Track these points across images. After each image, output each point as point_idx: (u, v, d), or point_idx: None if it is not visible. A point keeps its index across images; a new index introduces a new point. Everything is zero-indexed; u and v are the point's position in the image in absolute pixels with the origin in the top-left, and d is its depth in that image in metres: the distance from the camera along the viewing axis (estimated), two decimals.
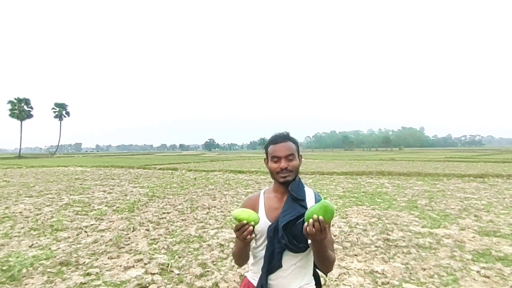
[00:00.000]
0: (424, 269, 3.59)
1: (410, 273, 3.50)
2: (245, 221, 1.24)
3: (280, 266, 1.36)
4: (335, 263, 1.52)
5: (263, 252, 1.40)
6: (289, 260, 1.36)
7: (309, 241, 1.29)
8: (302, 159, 1.52)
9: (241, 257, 1.43)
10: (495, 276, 3.38)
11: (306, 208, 1.33)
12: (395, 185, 11.16)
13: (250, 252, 1.44)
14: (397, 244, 4.48)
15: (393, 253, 4.12)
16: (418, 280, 3.33)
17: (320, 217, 1.13)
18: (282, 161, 1.38)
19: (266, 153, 1.47)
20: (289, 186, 1.40)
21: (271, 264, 1.35)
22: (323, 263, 1.32)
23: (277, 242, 1.34)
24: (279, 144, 1.41)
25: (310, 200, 1.40)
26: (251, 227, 1.24)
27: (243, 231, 1.23)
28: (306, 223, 1.17)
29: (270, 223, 1.38)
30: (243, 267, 3.29)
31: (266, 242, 1.39)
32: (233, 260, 1.48)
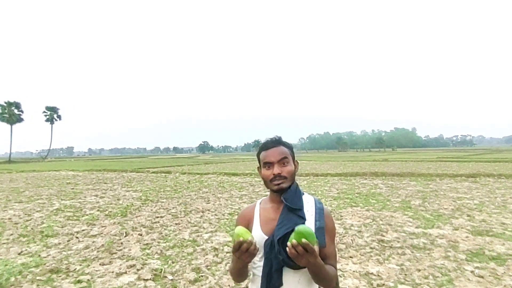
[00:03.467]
0: (419, 270, 3.59)
1: (405, 274, 3.50)
2: (242, 239, 1.09)
3: (280, 284, 1.21)
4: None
5: (262, 269, 1.27)
6: (290, 277, 1.22)
7: None
8: (298, 165, 1.39)
9: (240, 275, 1.29)
10: (489, 275, 3.40)
11: (304, 218, 1.23)
12: (388, 185, 11.23)
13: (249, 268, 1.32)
14: (391, 245, 4.49)
15: (388, 254, 4.12)
16: (413, 281, 3.32)
17: (294, 241, 1.03)
18: (275, 167, 1.26)
19: (259, 161, 1.34)
20: (282, 196, 1.26)
21: (270, 283, 1.22)
22: (322, 282, 1.19)
23: (274, 258, 1.21)
24: (270, 149, 1.30)
25: (309, 209, 1.28)
26: (252, 247, 1.09)
27: (243, 250, 1.09)
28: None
29: (266, 237, 1.25)
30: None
31: (264, 259, 1.26)
32: (230, 278, 1.35)
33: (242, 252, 1.09)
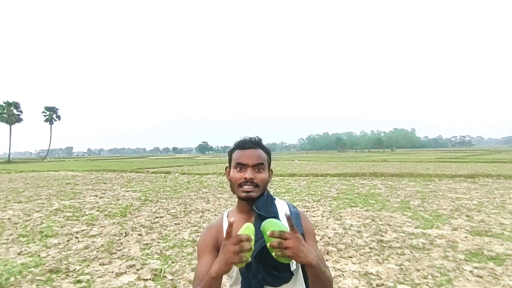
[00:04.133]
0: (418, 270, 3.60)
1: (404, 274, 3.51)
2: (252, 237, 0.91)
3: None
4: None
5: None
6: None
7: (294, 267, 1.06)
8: (273, 175, 1.22)
9: None
10: (488, 275, 3.41)
11: None
12: (387, 186, 11.24)
13: None
14: (391, 245, 4.50)
15: (387, 255, 4.13)
16: (412, 281, 3.34)
17: (270, 232, 0.90)
18: (248, 171, 1.09)
19: (230, 160, 1.17)
20: (254, 204, 1.10)
21: None
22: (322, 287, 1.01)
23: (252, 278, 1.03)
24: (248, 150, 1.12)
25: (284, 215, 1.07)
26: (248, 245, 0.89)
27: (244, 249, 0.88)
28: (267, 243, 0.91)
29: None
30: None
31: (240, 280, 1.08)
32: None
33: (241, 250, 0.87)
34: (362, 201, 8.12)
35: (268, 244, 0.91)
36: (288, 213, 0.98)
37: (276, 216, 1.08)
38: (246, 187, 1.08)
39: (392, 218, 6.18)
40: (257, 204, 1.10)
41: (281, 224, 0.96)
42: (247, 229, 0.93)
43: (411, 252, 4.20)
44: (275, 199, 1.18)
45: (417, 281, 3.33)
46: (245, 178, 1.08)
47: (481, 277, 3.38)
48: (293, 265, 1.06)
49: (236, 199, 1.18)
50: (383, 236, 4.92)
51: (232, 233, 0.92)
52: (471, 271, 3.53)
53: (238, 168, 1.11)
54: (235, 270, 1.08)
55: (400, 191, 9.87)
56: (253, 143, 1.15)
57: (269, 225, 0.94)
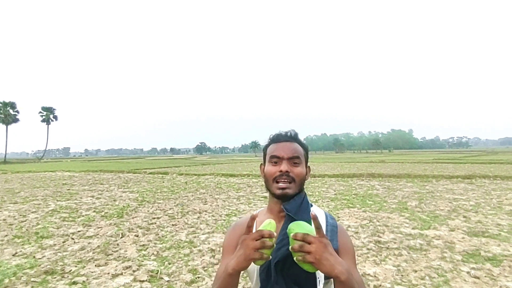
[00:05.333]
0: (416, 271, 3.60)
1: (402, 275, 3.50)
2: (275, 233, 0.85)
3: None
4: None
5: None
6: None
7: (321, 285, 0.91)
8: (310, 171, 1.12)
9: None
10: (485, 276, 3.41)
11: None
12: (385, 187, 11.26)
13: None
14: (388, 246, 4.49)
15: (385, 255, 4.13)
16: (409, 282, 3.33)
17: (293, 234, 0.83)
18: (284, 164, 1.00)
19: (264, 155, 1.09)
20: (284, 205, 0.99)
21: None
22: None
23: None
24: (282, 143, 1.04)
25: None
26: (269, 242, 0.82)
27: (266, 245, 0.81)
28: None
29: None
30: None
31: (259, 287, 0.98)
32: None
33: (262, 247, 0.81)
34: (360, 202, 8.12)
35: (290, 247, 0.83)
36: (314, 213, 0.87)
37: (308, 222, 0.93)
38: (281, 183, 0.99)
39: (389, 219, 6.18)
40: (288, 206, 0.99)
41: (310, 227, 0.86)
42: (269, 225, 0.87)
43: (409, 253, 4.20)
44: (311, 206, 1.06)
45: (415, 282, 3.32)
46: (280, 171, 0.99)
47: (478, 278, 3.38)
48: (320, 284, 0.91)
49: (268, 199, 1.08)
50: (380, 237, 4.91)
51: (253, 227, 0.87)
52: (468, 272, 3.53)
53: (273, 162, 1.03)
54: (255, 274, 0.99)
55: (398, 192, 9.89)
56: (288, 137, 1.07)
57: (295, 227, 0.86)
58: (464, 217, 6.23)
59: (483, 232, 5.12)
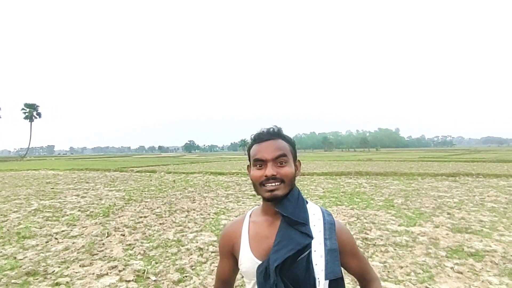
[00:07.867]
0: (401, 267, 3.66)
1: (388, 272, 3.55)
2: None
3: None
4: None
5: None
6: None
7: (322, 286, 0.89)
8: (301, 166, 1.06)
9: None
10: (468, 271, 3.49)
11: (310, 236, 0.91)
12: (372, 184, 11.43)
13: None
14: (375, 243, 4.56)
15: (372, 252, 4.18)
16: (395, 278, 3.38)
17: None
18: (268, 166, 0.92)
19: (249, 157, 1.01)
20: (277, 206, 0.93)
21: None
22: None
23: None
24: (265, 143, 0.96)
25: (316, 223, 0.95)
26: None
27: None
28: None
29: (258, 262, 0.93)
30: None
31: None
32: (215, 278, 1.10)
33: None
34: (348, 200, 8.21)
35: None
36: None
37: (305, 222, 0.91)
38: (269, 186, 0.92)
39: (376, 216, 6.27)
40: (283, 206, 0.92)
41: None
42: None
43: (395, 249, 4.27)
44: (307, 203, 1.01)
45: (401, 278, 3.38)
46: (266, 176, 0.92)
47: (461, 273, 3.46)
48: (320, 284, 0.89)
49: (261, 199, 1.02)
50: (367, 234, 4.98)
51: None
52: (452, 268, 3.61)
53: (258, 165, 0.95)
54: (252, 276, 0.95)
55: (385, 189, 10.05)
56: (271, 134, 0.97)
57: None
58: (448, 214, 6.37)
59: (466, 228, 5.25)
